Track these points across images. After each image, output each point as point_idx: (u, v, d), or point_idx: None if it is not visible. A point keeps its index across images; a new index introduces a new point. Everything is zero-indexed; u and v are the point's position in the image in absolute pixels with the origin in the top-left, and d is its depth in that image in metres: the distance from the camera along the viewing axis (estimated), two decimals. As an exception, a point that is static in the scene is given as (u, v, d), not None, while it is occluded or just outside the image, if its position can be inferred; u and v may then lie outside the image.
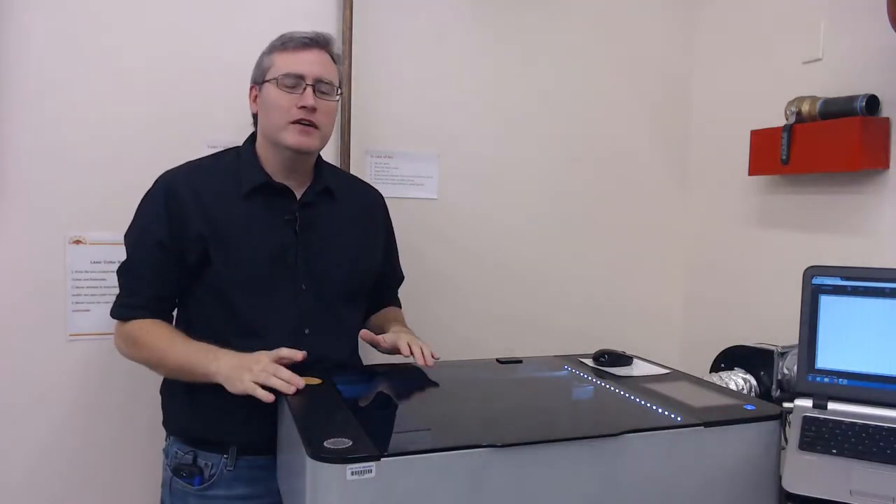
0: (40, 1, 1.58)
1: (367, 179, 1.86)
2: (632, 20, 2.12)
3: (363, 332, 1.44)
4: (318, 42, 1.37)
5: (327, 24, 1.79)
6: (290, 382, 1.19)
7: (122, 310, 1.36)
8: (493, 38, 1.98)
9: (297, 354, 1.26)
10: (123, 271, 1.37)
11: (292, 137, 1.34)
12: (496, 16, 1.98)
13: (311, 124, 1.34)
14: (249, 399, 1.23)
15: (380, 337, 1.41)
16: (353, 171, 1.83)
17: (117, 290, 1.38)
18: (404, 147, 1.92)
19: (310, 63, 1.34)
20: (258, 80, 1.38)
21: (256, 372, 1.20)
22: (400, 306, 1.66)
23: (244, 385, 1.19)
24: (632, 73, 2.13)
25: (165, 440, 1.44)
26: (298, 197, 1.41)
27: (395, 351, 1.40)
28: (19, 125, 1.58)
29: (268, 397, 1.18)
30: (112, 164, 1.64)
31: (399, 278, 1.65)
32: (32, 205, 1.60)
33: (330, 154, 1.81)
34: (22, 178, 1.59)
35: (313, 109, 1.33)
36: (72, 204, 1.62)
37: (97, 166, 1.63)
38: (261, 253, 1.35)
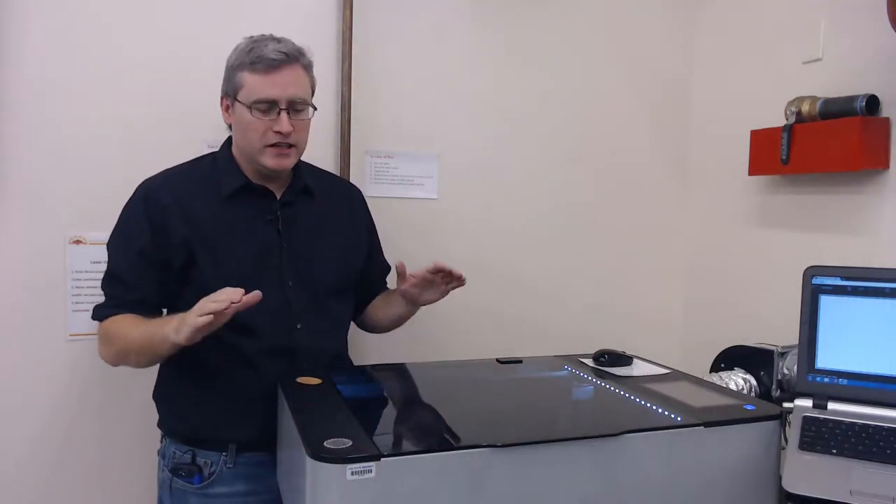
0: (40, 1, 1.58)
1: (366, 179, 1.86)
2: (632, 20, 2.12)
3: (410, 275, 1.42)
4: (287, 59, 1.33)
5: (327, 24, 1.80)
6: (225, 300, 1.14)
7: (100, 310, 1.35)
8: (493, 38, 1.98)
9: (243, 295, 1.16)
10: (106, 280, 1.36)
11: (271, 161, 1.34)
12: (496, 16, 1.98)
13: (289, 146, 1.35)
14: (247, 396, 1.23)
15: (409, 276, 1.42)
16: (352, 172, 1.83)
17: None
18: (404, 147, 1.92)
19: (282, 85, 1.31)
20: (230, 96, 1.36)
21: (196, 311, 1.15)
22: None
23: (187, 328, 1.14)
24: (632, 73, 2.13)
25: (161, 442, 1.43)
26: (278, 196, 1.41)
27: (429, 278, 1.41)
28: (19, 125, 1.58)
29: (206, 319, 1.12)
30: (112, 164, 1.64)
31: (385, 269, 1.66)
32: (32, 205, 1.60)
33: (330, 154, 1.82)
34: (22, 178, 1.59)
35: (289, 133, 1.33)
36: (72, 204, 1.63)
37: (97, 166, 1.64)
38: (245, 254, 1.36)
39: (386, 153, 1.90)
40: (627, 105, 2.13)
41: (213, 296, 1.16)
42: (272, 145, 1.33)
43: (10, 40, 1.56)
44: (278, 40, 1.34)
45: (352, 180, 1.79)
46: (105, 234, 1.38)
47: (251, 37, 1.36)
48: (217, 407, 1.27)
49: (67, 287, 1.63)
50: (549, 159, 2.06)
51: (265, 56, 1.31)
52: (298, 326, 1.38)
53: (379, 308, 1.59)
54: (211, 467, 1.35)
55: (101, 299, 1.37)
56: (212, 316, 1.14)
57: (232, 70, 1.36)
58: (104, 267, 1.37)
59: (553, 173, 2.07)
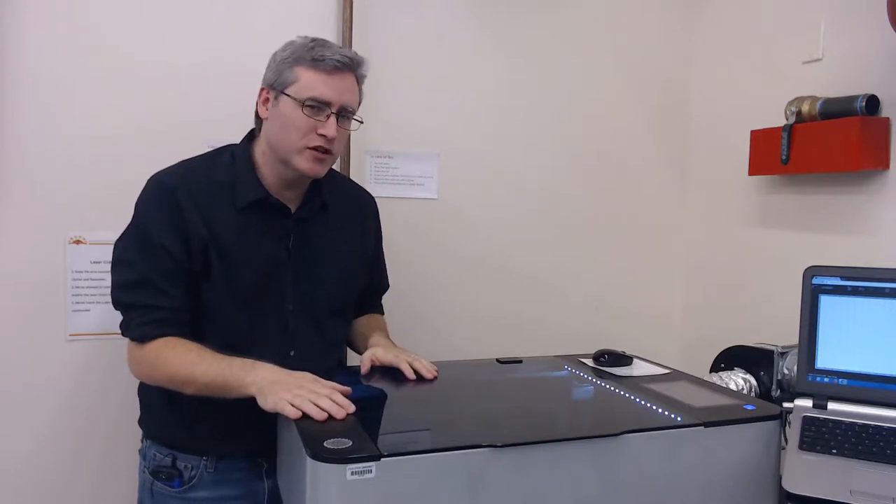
0: (40, 1, 1.58)
1: (366, 179, 1.86)
2: (632, 20, 2.12)
3: (366, 357, 1.39)
4: (350, 66, 1.30)
5: (327, 24, 1.80)
6: (343, 407, 1.09)
7: (143, 329, 1.24)
8: (493, 38, 1.98)
9: (350, 407, 1.11)
10: (132, 287, 1.25)
11: (305, 164, 1.28)
12: (496, 16, 1.98)
13: (328, 151, 1.29)
14: (232, 417, 1.20)
15: (371, 358, 1.38)
16: (352, 172, 1.83)
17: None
18: (404, 147, 1.92)
19: (339, 90, 1.28)
20: (277, 88, 1.29)
21: (295, 394, 1.10)
22: (383, 313, 1.61)
23: (276, 400, 1.10)
24: (632, 73, 2.13)
25: (141, 441, 1.40)
26: (293, 210, 1.36)
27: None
28: (19, 125, 1.58)
29: (294, 413, 1.07)
30: (113, 163, 1.63)
31: (385, 287, 1.62)
32: (32, 205, 1.60)
33: (330, 154, 1.81)
34: (22, 178, 1.59)
35: (332, 139, 1.28)
36: (72, 204, 1.62)
37: (97, 166, 1.63)
38: (253, 269, 1.30)
39: (386, 153, 1.90)
40: (627, 105, 2.13)
41: (336, 394, 1.10)
42: (312, 148, 1.27)
43: (11, 40, 1.56)
44: (339, 46, 1.32)
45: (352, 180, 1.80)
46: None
47: (306, 36, 1.31)
48: (201, 423, 1.24)
49: (67, 287, 1.63)
50: (549, 159, 2.06)
51: (330, 57, 1.27)
52: (292, 353, 1.34)
53: (359, 340, 1.51)
54: (191, 471, 1.32)
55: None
56: (300, 413, 1.06)
57: (285, 63, 1.28)
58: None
59: (553, 173, 2.07)
